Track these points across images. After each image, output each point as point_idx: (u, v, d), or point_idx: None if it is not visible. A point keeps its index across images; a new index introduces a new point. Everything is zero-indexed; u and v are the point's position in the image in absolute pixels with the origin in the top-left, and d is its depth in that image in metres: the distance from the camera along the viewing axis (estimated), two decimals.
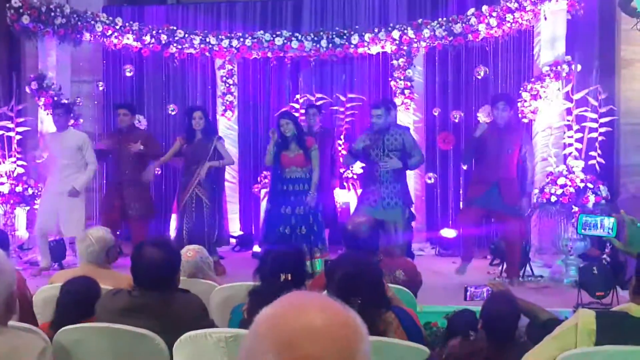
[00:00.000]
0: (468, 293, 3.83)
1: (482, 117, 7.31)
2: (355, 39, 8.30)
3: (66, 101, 7.68)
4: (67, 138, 7.11)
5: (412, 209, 7.09)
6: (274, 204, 6.93)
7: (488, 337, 3.09)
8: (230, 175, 9.11)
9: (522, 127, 7.22)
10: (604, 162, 6.89)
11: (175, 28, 8.69)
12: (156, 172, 8.15)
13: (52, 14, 7.73)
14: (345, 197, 8.65)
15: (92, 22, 8.12)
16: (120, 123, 7.37)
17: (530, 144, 6.76)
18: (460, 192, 8.40)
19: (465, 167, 7.97)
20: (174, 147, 7.28)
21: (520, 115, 7.15)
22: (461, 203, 8.05)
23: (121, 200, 7.25)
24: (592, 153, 6.81)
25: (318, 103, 8.69)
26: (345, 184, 8.62)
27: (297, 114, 8.21)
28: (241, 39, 8.59)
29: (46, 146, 7.31)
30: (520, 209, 6.52)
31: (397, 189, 6.65)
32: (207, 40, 8.62)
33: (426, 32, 7.98)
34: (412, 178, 7.99)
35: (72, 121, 7.68)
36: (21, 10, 7.61)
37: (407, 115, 8.29)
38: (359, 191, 7.77)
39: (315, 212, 6.84)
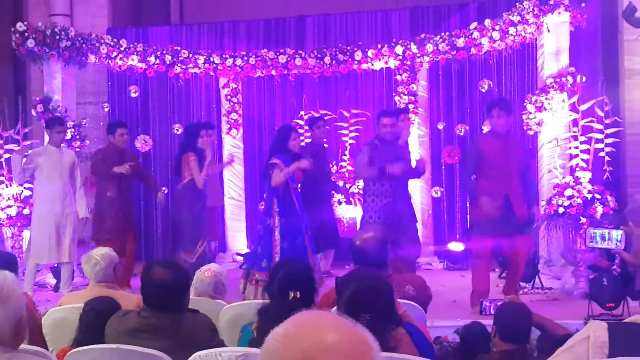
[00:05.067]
0: (483, 307, 3.82)
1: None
2: (358, 55, 8.34)
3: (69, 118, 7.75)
4: (66, 156, 7.00)
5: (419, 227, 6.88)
6: None
7: (502, 340, 3.09)
8: (236, 192, 9.11)
9: (526, 138, 7.15)
10: (611, 169, 6.85)
11: (179, 48, 8.75)
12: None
13: (57, 37, 7.80)
14: (351, 213, 8.63)
15: (97, 44, 8.18)
16: (122, 144, 7.15)
17: (532, 159, 6.44)
18: (467, 205, 7.81)
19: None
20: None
21: (525, 127, 7.13)
22: (469, 222, 7.33)
23: (120, 219, 7.08)
24: (604, 166, 6.76)
25: (326, 118, 8.70)
26: (351, 199, 8.60)
27: (302, 131, 8.19)
28: (245, 58, 8.65)
29: (36, 163, 6.92)
30: (530, 223, 6.25)
31: (401, 205, 6.23)
32: (211, 59, 8.68)
33: (429, 47, 8.01)
34: (418, 192, 7.96)
35: (78, 142, 7.76)
36: (26, 34, 7.69)
37: (412, 130, 8.28)
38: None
39: (262, 232, 6.21)
